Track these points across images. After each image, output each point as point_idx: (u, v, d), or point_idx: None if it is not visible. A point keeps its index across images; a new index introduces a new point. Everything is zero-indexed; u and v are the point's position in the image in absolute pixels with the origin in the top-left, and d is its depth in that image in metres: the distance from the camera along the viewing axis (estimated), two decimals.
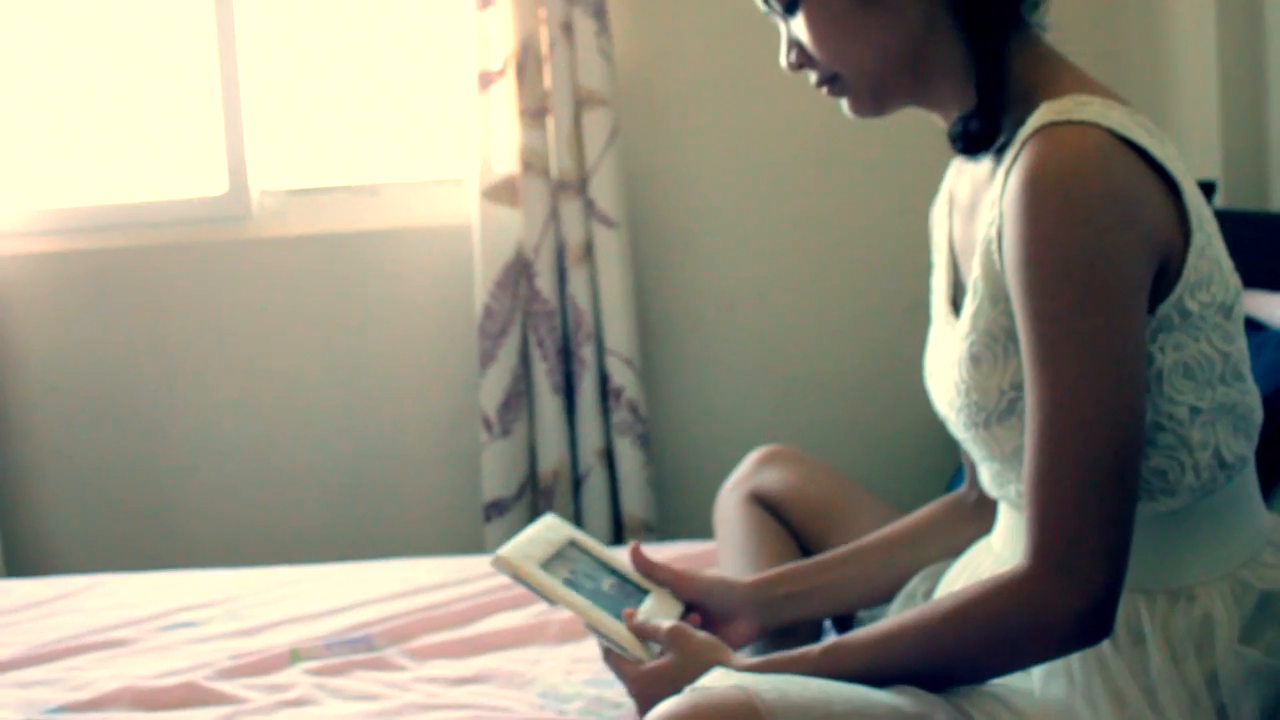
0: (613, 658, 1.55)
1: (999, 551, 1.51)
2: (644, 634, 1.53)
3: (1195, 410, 1.35)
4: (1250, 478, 1.43)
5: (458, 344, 3.08)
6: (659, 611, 1.61)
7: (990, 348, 1.38)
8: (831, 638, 1.46)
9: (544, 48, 2.92)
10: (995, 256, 1.36)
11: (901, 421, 3.01)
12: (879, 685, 1.32)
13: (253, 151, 3.12)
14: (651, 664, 1.49)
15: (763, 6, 1.48)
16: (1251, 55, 2.65)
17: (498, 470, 2.97)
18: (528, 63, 2.91)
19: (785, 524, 1.88)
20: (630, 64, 3.02)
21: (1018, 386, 1.36)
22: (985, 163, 1.45)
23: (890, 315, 3.01)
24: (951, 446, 2.00)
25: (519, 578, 1.56)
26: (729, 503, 1.93)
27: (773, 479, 1.91)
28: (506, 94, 2.93)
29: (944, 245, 1.56)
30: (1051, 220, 1.27)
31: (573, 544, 1.67)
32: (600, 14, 2.89)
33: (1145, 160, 1.31)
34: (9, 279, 3.12)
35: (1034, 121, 1.33)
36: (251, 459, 3.14)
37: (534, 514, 3.01)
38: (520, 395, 2.98)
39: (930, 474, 2.87)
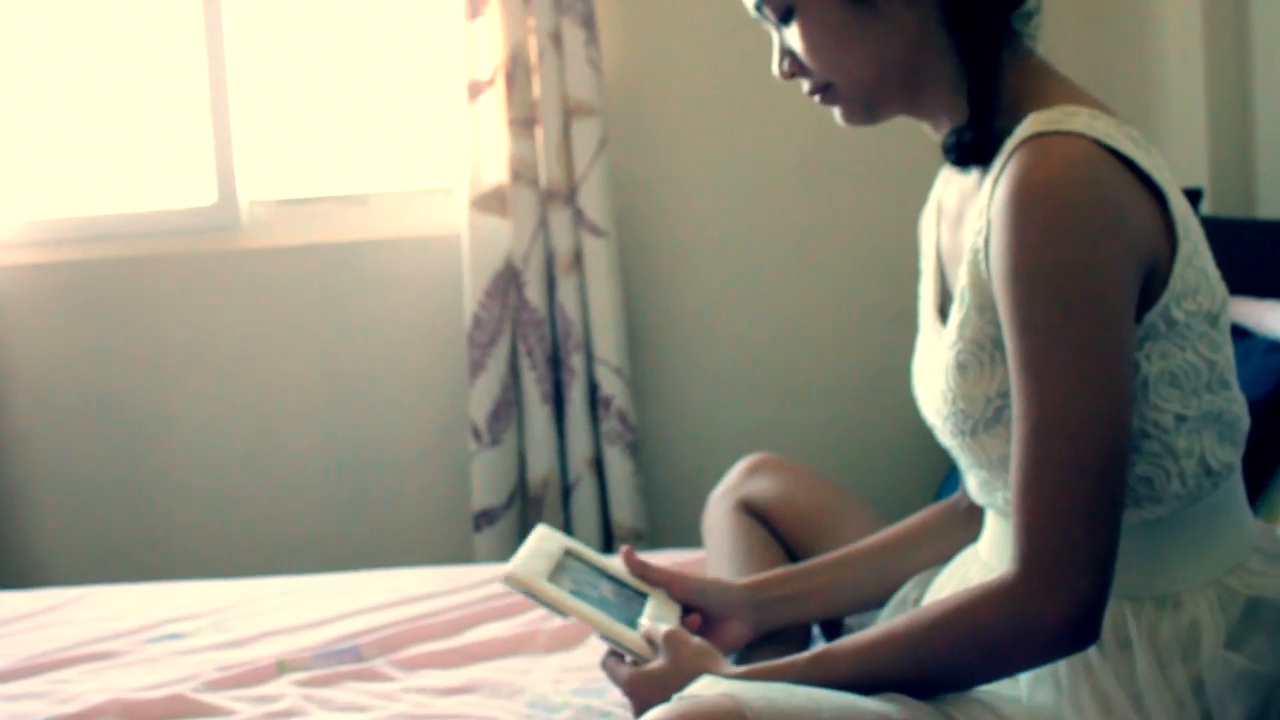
0: (609, 661, 1.55)
1: (986, 559, 1.52)
2: (650, 639, 1.54)
3: (1181, 418, 1.35)
4: (1237, 485, 1.43)
5: (447, 353, 3.07)
6: (660, 615, 1.62)
7: (977, 356, 1.38)
8: (819, 646, 1.46)
9: (533, 58, 2.92)
10: (982, 265, 1.37)
11: (889, 430, 3.01)
12: (866, 693, 1.32)
13: (241, 162, 3.12)
14: (645, 667, 1.50)
15: (756, 14, 1.48)
16: (1237, 63, 2.66)
17: (487, 480, 2.97)
18: (517, 73, 2.91)
19: (774, 532, 1.89)
20: (619, 74, 3.03)
21: (1004, 395, 1.36)
22: (973, 172, 1.45)
23: (878, 323, 3.02)
24: (939, 454, 2.00)
25: (530, 593, 1.57)
26: (717, 511, 1.93)
27: (761, 487, 1.91)
28: (495, 104, 2.93)
29: (931, 254, 1.57)
30: (1038, 230, 1.28)
31: (569, 553, 1.68)
32: (589, 24, 2.89)
33: (1132, 170, 1.32)
34: None
35: (1021, 131, 1.34)
36: (241, 469, 3.14)
37: (524, 523, 3.01)
38: (509, 404, 2.98)
39: (918, 482, 2.88)
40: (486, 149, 2.95)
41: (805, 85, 1.49)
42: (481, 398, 2.95)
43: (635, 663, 1.54)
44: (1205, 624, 1.36)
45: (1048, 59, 1.45)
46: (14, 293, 3.12)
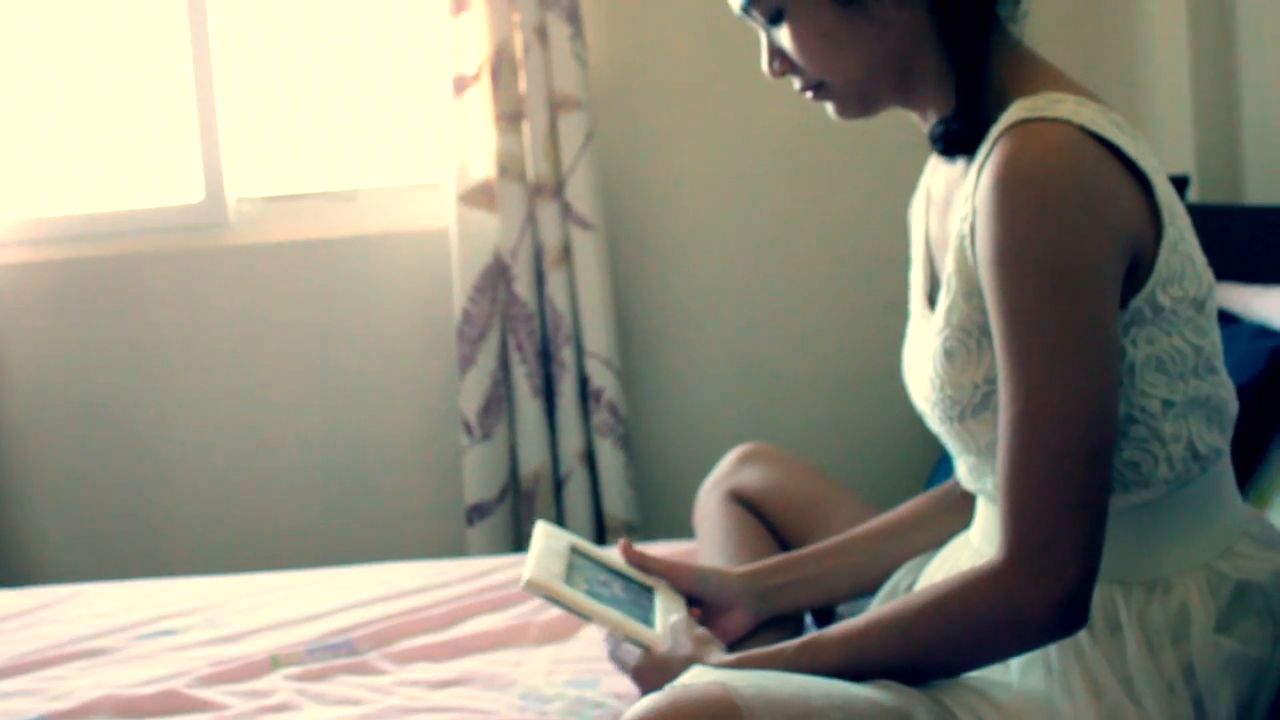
0: (618, 651, 1.57)
1: (977, 546, 1.52)
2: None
3: (1168, 403, 1.36)
4: (1225, 469, 1.44)
5: (437, 348, 3.07)
6: (669, 608, 1.64)
7: (964, 342, 1.39)
8: (810, 634, 1.47)
9: (518, 52, 2.92)
10: (968, 252, 1.37)
11: (880, 419, 3.02)
12: (857, 680, 1.32)
13: (229, 159, 3.11)
14: (651, 654, 1.52)
15: (742, 14, 1.48)
16: (1223, 50, 2.66)
17: (479, 474, 2.97)
18: (502, 67, 2.91)
19: (765, 522, 1.90)
20: (605, 68, 3.02)
21: (991, 381, 1.37)
22: (959, 159, 1.46)
23: (867, 313, 3.02)
24: (930, 444, 2.01)
25: (551, 598, 1.57)
26: (709, 501, 1.94)
27: (752, 477, 1.92)
28: (482, 99, 2.93)
29: (921, 241, 1.57)
30: (1023, 216, 1.28)
31: (574, 550, 1.68)
32: (574, 18, 2.89)
33: (1117, 156, 1.32)
34: None
35: (1007, 119, 1.34)
36: (231, 465, 3.14)
37: (516, 517, 3.01)
38: (500, 399, 2.98)
39: (909, 471, 2.88)
40: (473, 144, 2.95)
41: (796, 83, 1.49)
42: (472, 392, 2.95)
43: (628, 651, 1.55)
44: (1195, 608, 1.37)
45: (1033, 48, 1.46)
46: (2, 291, 3.11)
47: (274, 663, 2.04)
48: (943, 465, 2.24)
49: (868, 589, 1.72)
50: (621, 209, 3.06)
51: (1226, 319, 1.92)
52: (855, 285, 3.06)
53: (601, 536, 2.99)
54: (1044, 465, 1.27)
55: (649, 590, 1.67)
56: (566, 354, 2.95)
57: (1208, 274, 1.40)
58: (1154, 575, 1.39)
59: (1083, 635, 1.36)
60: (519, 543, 2.99)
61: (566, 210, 2.94)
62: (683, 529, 2.72)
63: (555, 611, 2.11)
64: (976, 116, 1.40)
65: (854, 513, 1.84)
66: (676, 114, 3.07)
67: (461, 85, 2.92)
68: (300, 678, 1.98)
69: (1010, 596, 1.28)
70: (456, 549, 3.02)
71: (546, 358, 2.99)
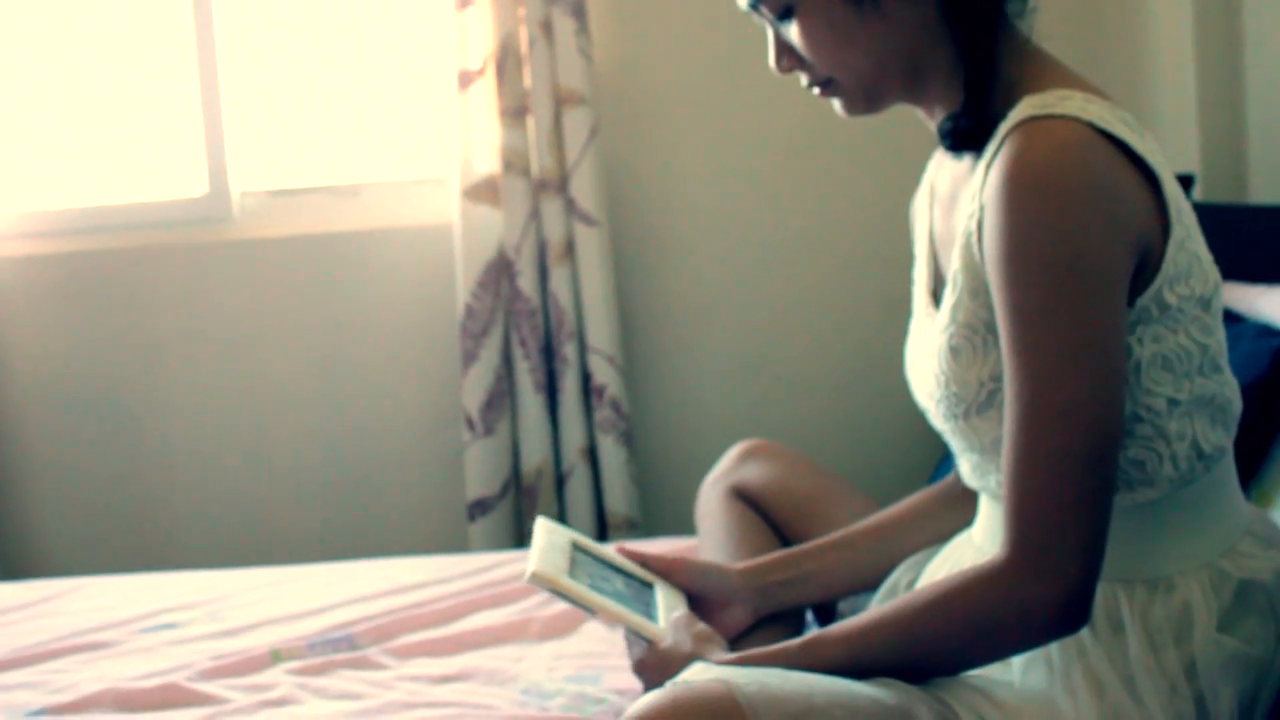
0: (633, 649, 1.57)
1: (980, 543, 1.52)
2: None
3: (1173, 402, 1.36)
4: (1229, 468, 1.44)
5: (440, 344, 3.07)
6: (671, 603, 1.64)
7: (969, 340, 1.38)
8: (812, 632, 1.47)
9: (523, 47, 2.92)
10: (975, 249, 1.37)
11: (883, 415, 3.01)
12: (859, 678, 1.32)
13: (233, 153, 3.11)
14: (655, 649, 1.52)
15: (749, 10, 1.47)
16: (1229, 49, 2.66)
17: (481, 469, 2.97)
18: (507, 62, 2.91)
19: (766, 518, 1.89)
20: (610, 63, 3.02)
21: (997, 378, 1.37)
22: (967, 156, 1.45)
23: (870, 310, 3.02)
24: (933, 440, 2.01)
25: (556, 591, 1.57)
26: (710, 497, 1.94)
27: (754, 473, 1.92)
28: (486, 93, 2.93)
29: (925, 237, 1.57)
30: (1031, 213, 1.28)
31: (575, 545, 1.68)
32: (579, 13, 2.89)
33: (1126, 154, 1.32)
34: None
35: (1015, 115, 1.34)
36: (234, 459, 3.14)
37: (518, 513, 3.01)
38: (503, 394, 2.98)
39: (912, 467, 2.88)
40: (478, 139, 2.95)
41: (804, 79, 1.49)
42: (475, 387, 2.95)
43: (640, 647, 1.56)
44: (1197, 606, 1.36)
45: (1041, 45, 1.45)
46: (5, 284, 3.11)
47: (275, 657, 2.04)
48: (945, 462, 2.23)
49: (868, 585, 1.72)
50: (625, 205, 3.05)
51: (1230, 318, 1.92)
52: (858, 281, 3.06)
53: (603, 533, 2.99)
54: (1048, 463, 1.26)
55: (649, 586, 1.67)
56: (569, 350, 2.95)
57: (1214, 272, 1.39)
58: (1157, 574, 1.39)
59: (1085, 634, 1.36)
60: (520, 539, 2.99)
61: (570, 206, 2.94)
62: (684, 525, 2.72)
63: (557, 607, 2.11)
64: (985, 113, 1.39)
65: (855, 509, 1.84)
66: (681, 109, 3.06)
67: (466, 80, 2.92)
68: (301, 672, 1.98)
69: (1013, 594, 1.27)
70: (458, 544, 3.02)
71: (549, 353, 2.99)
